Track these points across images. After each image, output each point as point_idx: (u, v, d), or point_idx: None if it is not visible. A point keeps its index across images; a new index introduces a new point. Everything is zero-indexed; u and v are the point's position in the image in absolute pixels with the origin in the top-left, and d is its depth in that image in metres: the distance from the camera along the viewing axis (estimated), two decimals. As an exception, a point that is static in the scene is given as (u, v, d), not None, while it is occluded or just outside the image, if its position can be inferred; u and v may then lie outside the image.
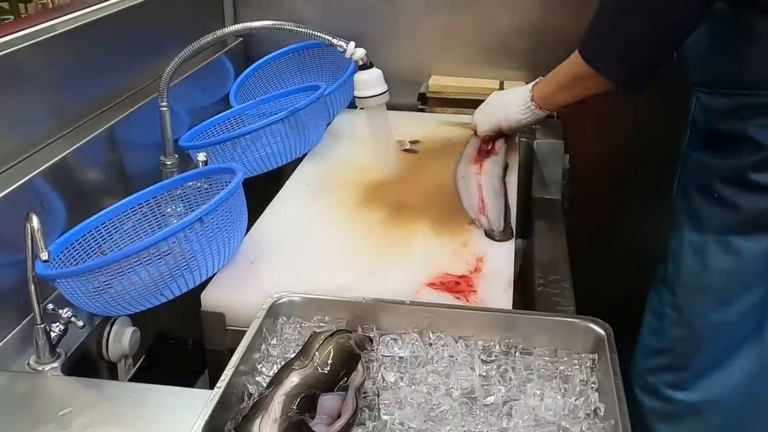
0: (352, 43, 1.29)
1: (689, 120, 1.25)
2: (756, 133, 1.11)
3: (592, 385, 0.86)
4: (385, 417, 0.81)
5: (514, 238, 1.21)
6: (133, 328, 1.12)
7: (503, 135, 1.49)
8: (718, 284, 1.19)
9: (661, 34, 1.11)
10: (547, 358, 0.90)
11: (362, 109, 1.35)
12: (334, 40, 1.30)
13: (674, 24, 1.09)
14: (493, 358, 0.91)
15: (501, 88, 1.73)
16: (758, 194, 1.13)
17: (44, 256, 0.91)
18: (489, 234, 1.21)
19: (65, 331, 1.00)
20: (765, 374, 1.20)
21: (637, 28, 1.11)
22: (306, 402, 0.77)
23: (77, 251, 1.08)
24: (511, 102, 1.43)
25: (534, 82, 1.40)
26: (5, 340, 0.99)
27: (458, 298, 1.05)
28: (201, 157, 1.29)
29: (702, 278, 1.20)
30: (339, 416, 0.79)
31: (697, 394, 1.24)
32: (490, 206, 1.27)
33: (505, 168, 1.42)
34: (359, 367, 0.84)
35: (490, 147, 1.48)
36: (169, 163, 1.35)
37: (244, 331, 0.91)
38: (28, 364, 0.98)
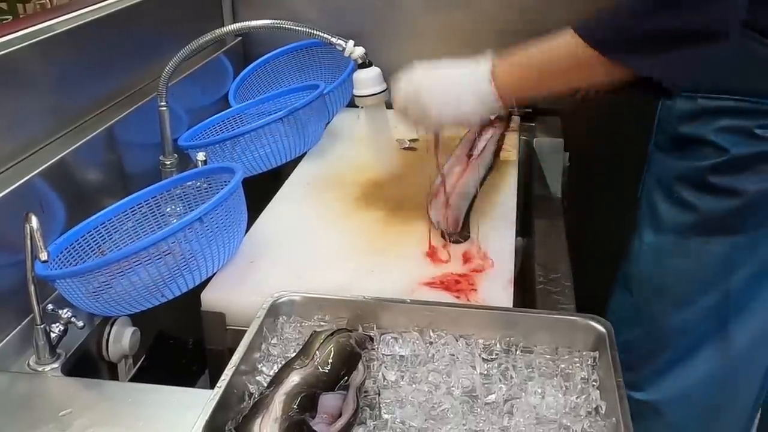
0: (351, 42, 1.29)
1: (655, 122, 1.25)
2: (715, 137, 1.10)
3: (593, 383, 0.86)
4: (386, 416, 0.81)
5: (469, 239, 1.20)
6: (133, 328, 1.12)
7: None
8: (675, 285, 1.18)
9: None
10: (548, 356, 0.90)
11: (361, 108, 1.35)
12: (333, 39, 1.29)
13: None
14: (493, 357, 0.90)
15: None
16: (716, 196, 1.13)
17: (44, 256, 0.91)
18: (444, 234, 1.21)
19: (65, 331, 1.00)
20: (725, 377, 1.20)
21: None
22: (307, 401, 0.77)
23: (77, 251, 1.07)
24: (460, 82, 1.09)
25: (490, 60, 1.08)
26: (5, 340, 0.99)
27: (458, 296, 1.05)
28: (200, 156, 1.29)
29: (660, 279, 1.20)
30: (340, 415, 0.79)
31: (655, 394, 1.24)
32: (453, 208, 1.25)
33: (490, 167, 1.38)
34: (360, 366, 0.84)
35: (482, 148, 1.42)
36: (169, 162, 1.35)
37: (245, 331, 0.90)
38: (28, 364, 0.98)
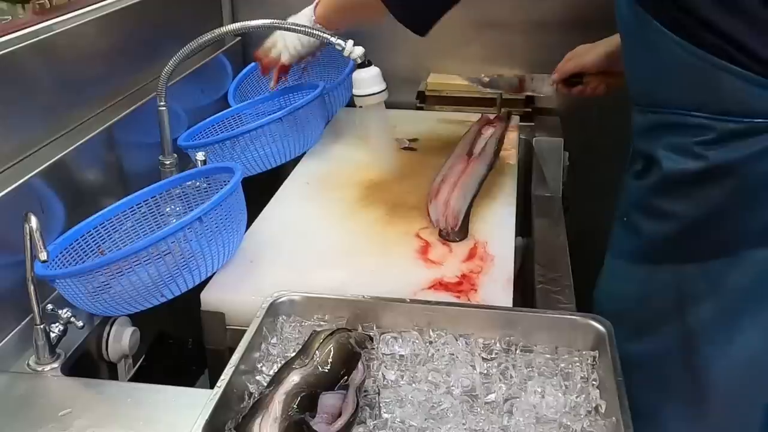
0: (351, 42, 1.29)
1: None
2: (659, 154, 1.03)
3: (593, 383, 0.86)
4: (385, 415, 0.81)
5: (467, 239, 1.19)
6: (133, 328, 1.11)
7: (298, 59, 1.48)
8: (630, 312, 1.09)
9: None
10: (548, 356, 0.90)
11: (361, 107, 1.35)
12: (333, 39, 1.29)
13: None
14: (493, 356, 0.90)
15: None
16: (657, 220, 1.05)
17: (43, 256, 0.91)
18: (442, 234, 1.20)
19: (65, 331, 1.00)
20: (706, 417, 1.09)
21: None
22: (306, 401, 0.77)
23: (76, 251, 1.07)
24: (297, 24, 1.38)
25: (316, 2, 1.39)
26: (5, 340, 0.99)
27: (458, 296, 1.05)
28: (200, 156, 1.29)
29: (616, 305, 1.10)
30: (340, 415, 0.79)
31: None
32: (453, 206, 1.23)
33: (491, 166, 1.38)
34: (360, 365, 0.84)
35: (482, 147, 1.44)
36: (168, 162, 1.35)
37: (244, 331, 0.90)
38: (28, 364, 0.98)
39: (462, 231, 1.20)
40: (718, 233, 1.01)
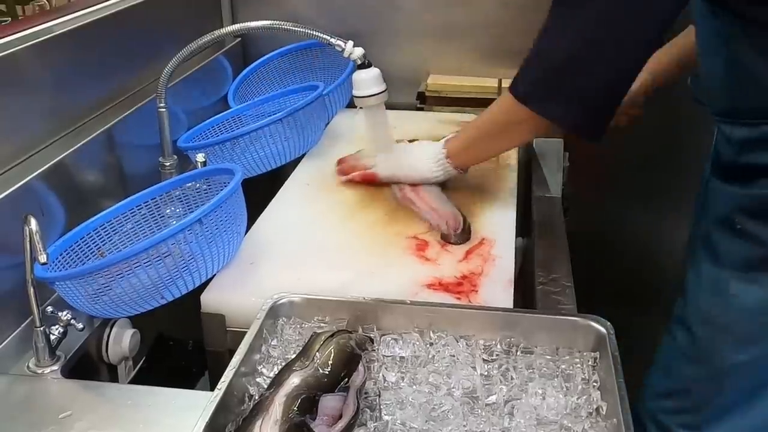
0: (351, 43, 1.29)
1: (711, 151, 1.17)
2: None
3: (594, 384, 0.86)
4: (386, 417, 0.81)
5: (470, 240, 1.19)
6: (133, 330, 1.11)
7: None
8: (739, 323, 1.10)
9: (625, 62, 1.04)
10: (549, 357, 0.90)
11: (361, 108, 1.35)
12: (333, 40, 1.29)
13: (643, 44, 1.03)
14: (494, 358, 0.90)
15: (499, 86, 1.73)
16: None
17: (43, 258, 0.90)
18: (445, 237, 1.19)
19: (65, 333, 0.99)
20: None
21: (598, 58, 1.04)
22: (307, 403, 0.77)
23: (76, 253, 1.07)
24: (421, 158, 1.32)
25: (446, 138, 1.30)
26: (4, 343, 0.99)
27: (459, 297, 1.05)
28: (200, 157, 1.29)
29: (722, 317, 1.11)
30: (340, 417, 0.79)
31: None
32: (443, 210, 1.24)
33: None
34: (360, 367, 0.84)
35: None
36: (168, 164, 1.35)
37: (245, 333, 0.90)
38: (28, 367, 0.98)
39: (465, 233, 1.20)
40: None
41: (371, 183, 1.37)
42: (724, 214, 1.11)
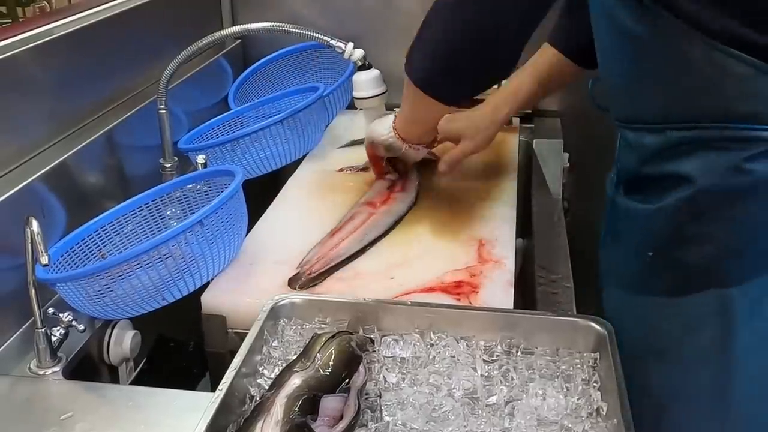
0: (351, 44, 1.29)
1: (614, 160, 1.06)
2: (690, 175, 0.91)
3: (594, 384, 0.86)
4: (387, 418, 0.81)
5: None
6: (134, 331, 1.11)
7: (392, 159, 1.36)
8: (667, 348, 1.00)
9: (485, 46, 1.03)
10: (549, 358, 0.90)
11: (361, 109, 1.35)
12: (333, 42, 1.30)
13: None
14: (494, 358, 0.90)
15: (498, 86, 1.72)
16: (697, 245, 0.93)
17: (44, 260, 0.91)
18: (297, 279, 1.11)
19: (66, 335, 1.00)
20: None
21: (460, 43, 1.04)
22: (308, 404, 0.77)
23: (77, 255, 1.08)
24: (382, 121, 1.31)
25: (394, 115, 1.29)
26: (6, 344, 0.99)
27: (459, 298, 1.05)
28: (200, 159, 1.29)
29: (650, 343, 1.01)
30: (341, 418, 0.79)
31: None
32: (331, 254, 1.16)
33: (411, 206, 1.31)
34: (361, 368, 0.84)
35: (401, 185, 1.35)
36: (169, 165, 1.35)
37: (245, 334, 0.90)
38: (29, 368, 0.98)
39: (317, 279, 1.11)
40: (756, 251, 0.92)
41: (378, 159, 1.36)
42: (636, 234, 1.00)
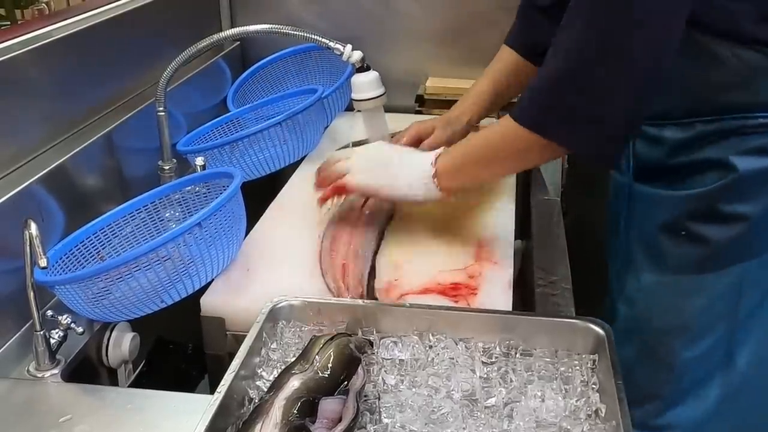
0: (349, 46, 1.29)
1: (630, 154, 1.13)
2: (721, 160, 1.02)
3: (593, 386, 0.86)
4: (386, 420, 0.81)
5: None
6: (133, 333, 1.11)
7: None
8: (691, 322, 1.10)
9: (639, 82, 0.94)
10: (548, 360, 0.90)
11: (360, 111, 1.35)
12: (332, 43, 1.30)
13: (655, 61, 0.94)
14: (493, 360, 0.90)
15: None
16: (727, 224, 1.04)
17: (43, 262, 0.91)
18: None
19: (65, 337, 1.00)
20: (734, 402, 1.13)
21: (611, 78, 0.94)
22: (307, 406, 0.77)
23: (76, 257, 1.07)
24: (404, 170, 1.14)
25: (437, 152, 1.12)
26: (5, 347, 0.99)
27: (458, 300, 1.05)
28: (199, 161, 1.29)
29: (672, 319, 1.11)
30: (340, 420, 0.79)
31: (671, 420, 1.17)
32: (353, 273, 1.10)
33: (390, 216, 1.26)
34: (360, 370, 0.84)
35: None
36: (167, 167, 1.35)
37: (244, 336, 0.90)
38: (28, 371, 0.98)
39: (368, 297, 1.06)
40: None
41: (344, 194, 1.20)
42: (663, 219, 1.08)
